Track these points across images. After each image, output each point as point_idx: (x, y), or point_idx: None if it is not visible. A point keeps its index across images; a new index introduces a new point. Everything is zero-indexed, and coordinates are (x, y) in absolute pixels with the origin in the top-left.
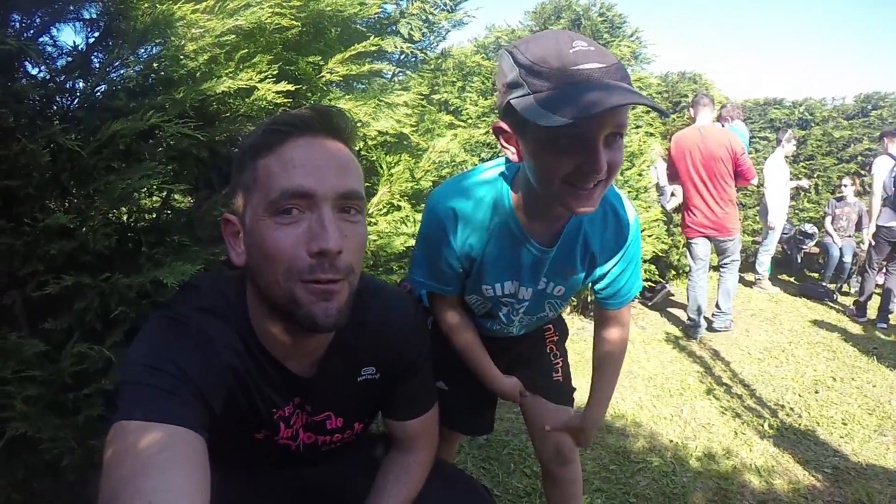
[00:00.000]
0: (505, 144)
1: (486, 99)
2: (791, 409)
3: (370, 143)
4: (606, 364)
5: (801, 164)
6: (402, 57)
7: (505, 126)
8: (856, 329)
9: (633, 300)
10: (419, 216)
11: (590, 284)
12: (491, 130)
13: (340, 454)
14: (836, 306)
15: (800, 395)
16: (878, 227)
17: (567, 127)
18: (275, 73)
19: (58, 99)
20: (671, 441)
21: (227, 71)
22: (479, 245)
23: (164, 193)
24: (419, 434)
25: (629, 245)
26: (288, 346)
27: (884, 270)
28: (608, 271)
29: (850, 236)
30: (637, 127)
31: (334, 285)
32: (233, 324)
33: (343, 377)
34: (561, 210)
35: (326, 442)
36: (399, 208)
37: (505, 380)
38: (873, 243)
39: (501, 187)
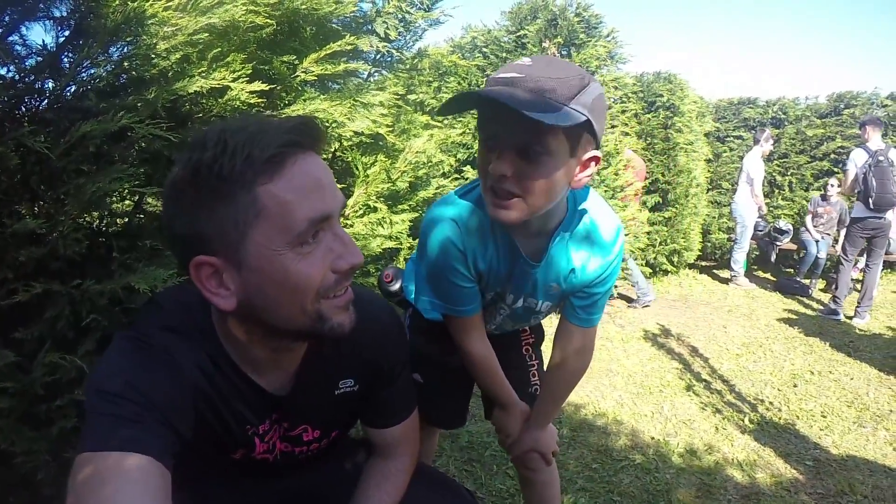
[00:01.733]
0: None
1: None
2: (770, 403)
3: (346, 143)
4: (560, 387)
5: (775, 161)
6: (378, 56)
7: None
8: (832, 323)
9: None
10: (396, 217)
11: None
12: None
13: (319, 461)
14: (812, 301)
15: (779, 390)
16: (851, 219)
17: (481, 132)
18: (248, 72)
19: (27, 100)
20: (653, 438)
21: (199, 70)
22: (481, 254)
23: (137, 197)
24: (400, 440)
25: (611, 263)
26: (267, 363)
27: (861, 267)
28: (587, 286)
29: (828, 234)
30: (612, 126)
31: (350, 291)
32: (200, 342)
33: (320, 391)
34: (538, 224)
35: (303, 451)
36: (375, 210)
37: (518, 404)
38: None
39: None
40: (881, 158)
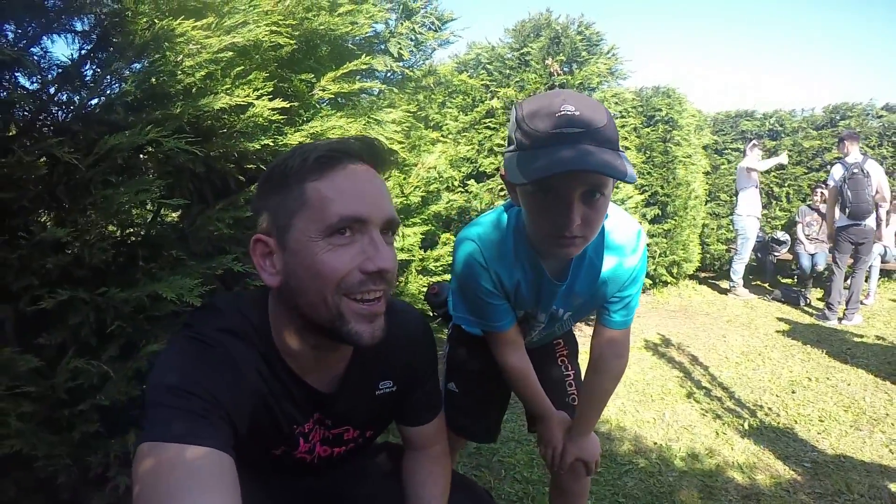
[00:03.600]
0: (509, 190)
1: (466, 115)
2: (769, 408)
3: None
4: (600, 391)
5: (773, 173)
6: (389, 74)
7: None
8: (829, 331)
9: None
10: (408, 231)
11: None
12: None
13: (351, 461)
14: (810, 310)
15: (777, 396)
16: (836, 229)
17: (544, 185)
18: (270, 90)
19: (52, 110)
20: (655, 443)
21: (223, 87)
22: (507, 275)
23: (157, 207)
24: (434, 433)
25: (637, 266)
26: (312, 362)
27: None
28: (618, 291)
29: (822, 241)
30: None
31: (379, 304)
32: (255, 344)
33: (362, 391)
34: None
35: (341, 452)
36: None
37: (556, 415)
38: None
39: (516, 224)
40: (855, 171)
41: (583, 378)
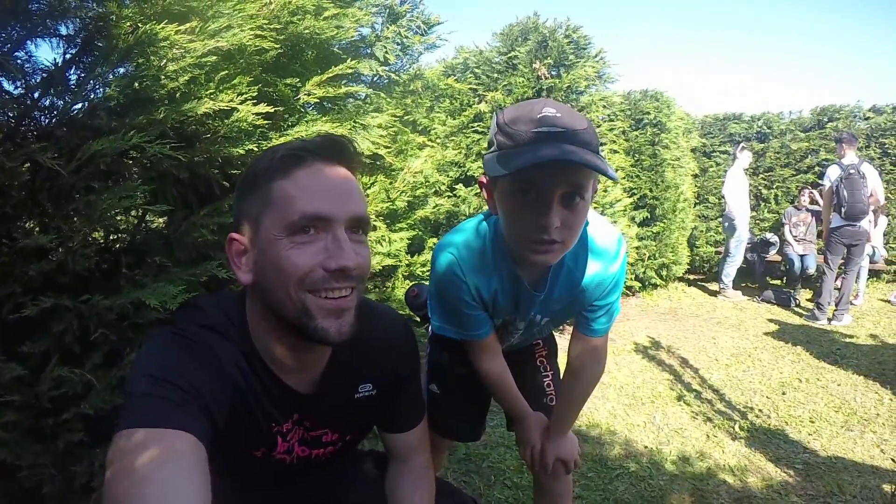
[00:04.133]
0: (487, 197)
1: (453, 119)
2: (760, 410)
3: None
4: (577, 394)
5: (761, 175)
6: (375, 78)
7: (485, 180)
8: (818, 332)
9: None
10: (394, 236)
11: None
12: (478, 183)
13: (331, 466)
14: (800, 311)
15: (768, 398)
16: (830, 229)
17: (522, 182)
18: (254, 94)
19: (36, 116)
20: (646, 447)
21: (207, 92)
22: (485, 286)
23: (141, 214)
24: (417, 442)
25: (617, 274)
26: (290, 362)
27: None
28: (596, 299)
29: (810, 242)
30: (601, 144)
31: (346, 300)
32: (236, 342)
33: (341, 394)
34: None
35: (319, 455)
36: (375, 228)
37: (531, 415)
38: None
39: (494, 234)
40: (852, 171)
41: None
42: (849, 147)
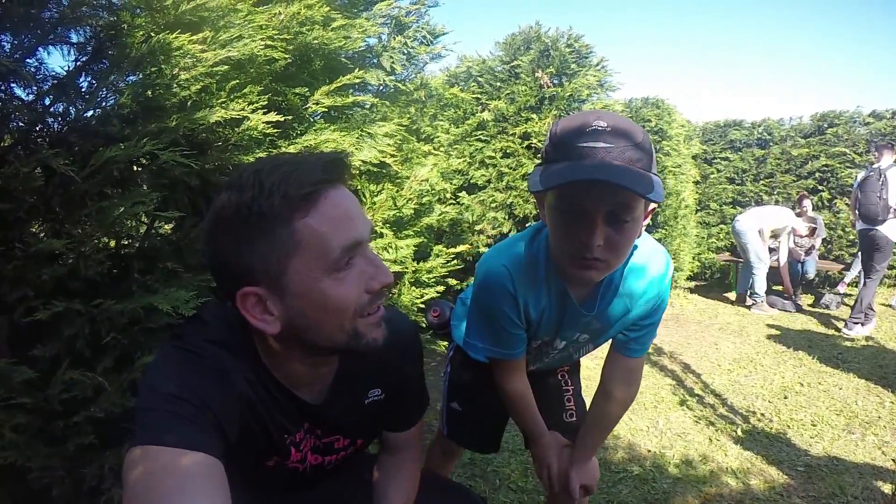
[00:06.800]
0: (539, 208)
1: (457, 127)
2: (762, 414)
3: (354, 172)
4: (607, 418)
5: (762, 181)
6: (382, 88)
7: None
8: (820, 336)
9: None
10: (401, 243)
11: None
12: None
13: (342, 471)
14: (801, 316)
15: (769, 402)
16: (858, 232)
17: (567, 199)
18: (264, 103)
19: (48, 122)
20: (649, 451)
21: (218, 101)
22: (534, 302)
23: (152, 220)
24: (410, 440)
25: (663, 294)
26: (300, 375)
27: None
28: (640, 320)
29: (813, 248)
30: None
31: (382, 308)
32: (242, 356)
33: (352, 401)
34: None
35: (332, 461)
36: (382, 235)
37: (546, 435)
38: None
39: (547, 248)
40: (871, 173)
41: (590, 403)
42: (887, 153)
